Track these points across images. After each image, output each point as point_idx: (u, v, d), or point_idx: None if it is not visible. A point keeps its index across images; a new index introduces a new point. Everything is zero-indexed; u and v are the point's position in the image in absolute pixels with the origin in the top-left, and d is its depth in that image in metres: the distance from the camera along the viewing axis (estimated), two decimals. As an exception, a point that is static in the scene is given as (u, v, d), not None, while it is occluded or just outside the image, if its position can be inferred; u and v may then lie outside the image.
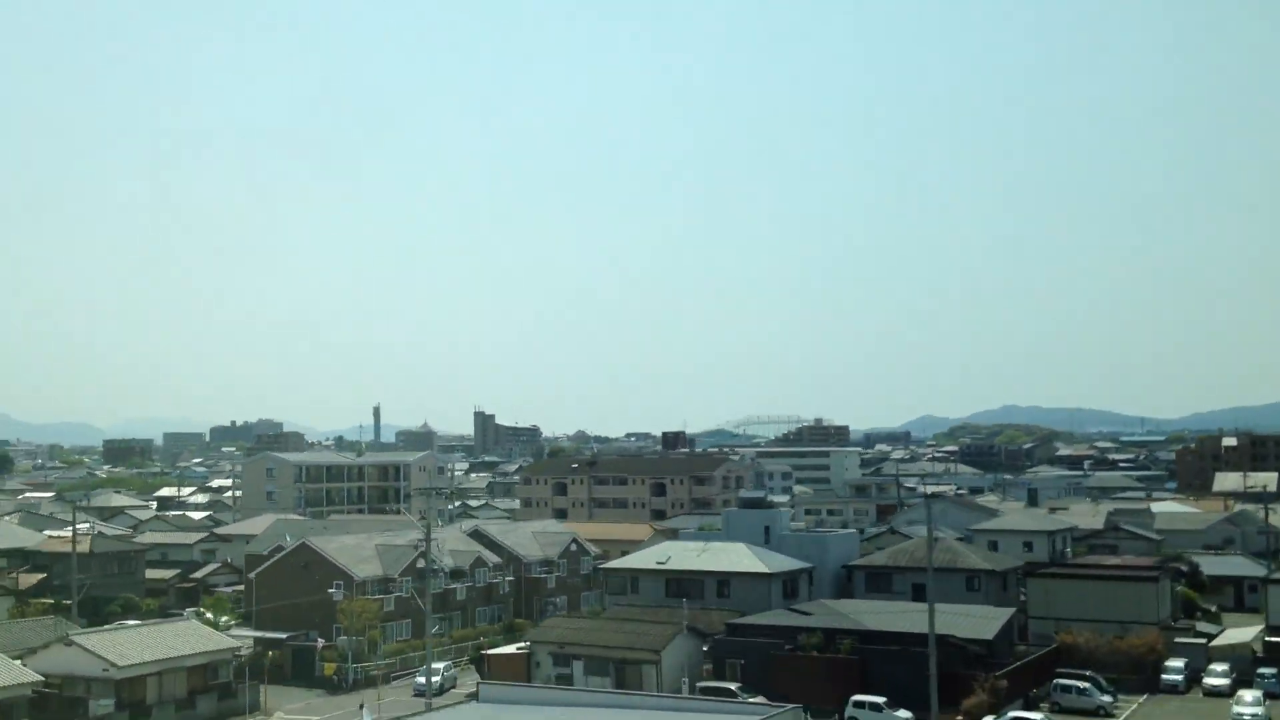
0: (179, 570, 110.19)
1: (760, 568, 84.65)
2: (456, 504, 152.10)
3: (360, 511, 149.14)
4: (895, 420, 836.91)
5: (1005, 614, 79.92)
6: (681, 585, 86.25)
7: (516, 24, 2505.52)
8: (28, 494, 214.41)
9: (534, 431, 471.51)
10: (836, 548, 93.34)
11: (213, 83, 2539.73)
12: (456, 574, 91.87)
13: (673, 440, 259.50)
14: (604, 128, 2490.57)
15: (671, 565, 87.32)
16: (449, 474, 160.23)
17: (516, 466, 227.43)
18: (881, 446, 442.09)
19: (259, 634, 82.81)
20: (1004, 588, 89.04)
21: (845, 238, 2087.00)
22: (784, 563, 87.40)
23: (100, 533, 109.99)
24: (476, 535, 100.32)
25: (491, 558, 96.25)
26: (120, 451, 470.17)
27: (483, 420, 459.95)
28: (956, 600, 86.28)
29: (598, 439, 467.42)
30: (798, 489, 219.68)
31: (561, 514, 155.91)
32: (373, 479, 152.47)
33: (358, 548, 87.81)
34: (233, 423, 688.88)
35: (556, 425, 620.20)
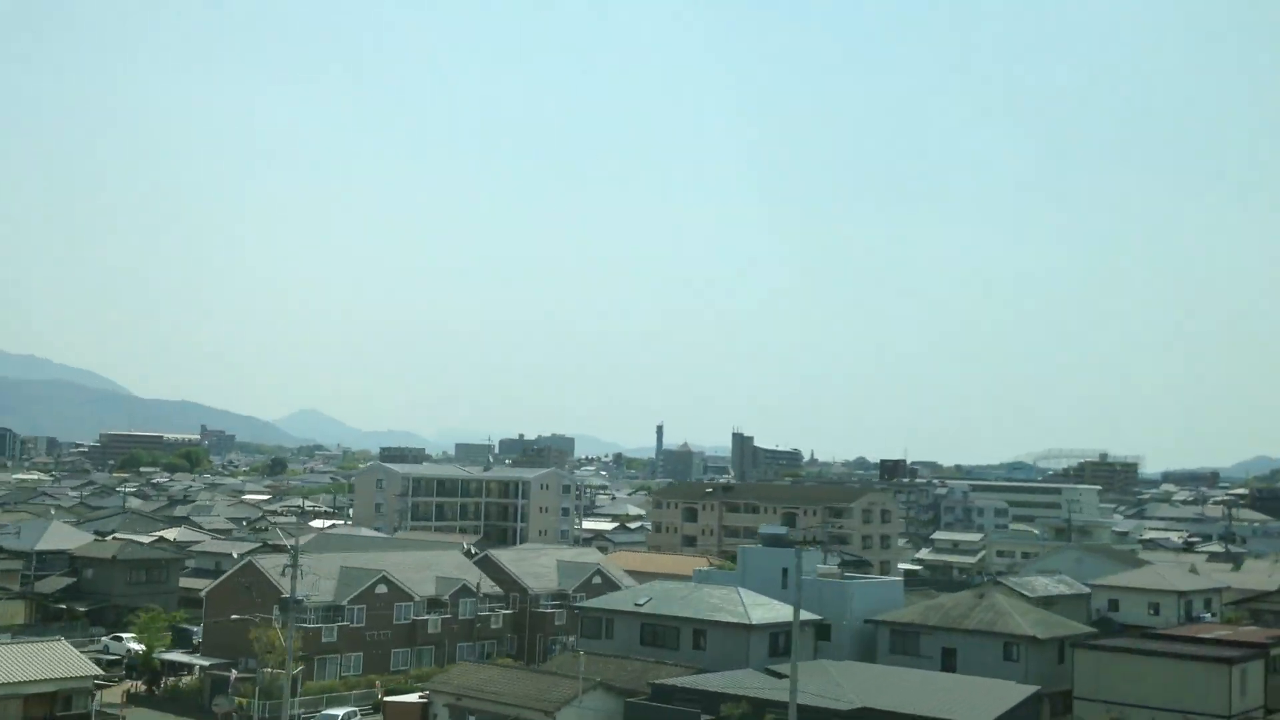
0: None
1: (740, 617, 71.84)
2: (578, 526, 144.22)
3: (476, 529, 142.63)
4: (1226, 460, 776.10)
5: (1022, 693, 64.57)
6: (656, 632, 74.57)
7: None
8: (249, 495, 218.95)
9: (794, 455, 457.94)
10: (864, 598, 79.04)
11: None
12: (435, 604, 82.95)
13: (891, 469, 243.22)
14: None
15: (649, 608, 75.55)
16: (577, 493, 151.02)
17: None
18: (1167, 486, 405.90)
19: (190, 659, 76.52)
20: (1059, 658, 72.98)
21: (1202, 272, 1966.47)
22: (780, 613, 74.14)
23: (132, 540, 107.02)
24: (484, 562, 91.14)
25: (489, 587, 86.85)
26: (391, 458, 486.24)
27: (740, 442, 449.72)
28: (992, 670, 71.41)
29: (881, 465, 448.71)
30: (1017, 527, 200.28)
31: (691, 541, 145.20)
32: (494, 495, 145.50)
33: (312, 568, 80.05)
34: (520, 436, 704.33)
35: (838, 450, 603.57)
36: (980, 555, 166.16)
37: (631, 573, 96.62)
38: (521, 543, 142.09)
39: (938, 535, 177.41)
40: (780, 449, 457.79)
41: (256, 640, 71.85)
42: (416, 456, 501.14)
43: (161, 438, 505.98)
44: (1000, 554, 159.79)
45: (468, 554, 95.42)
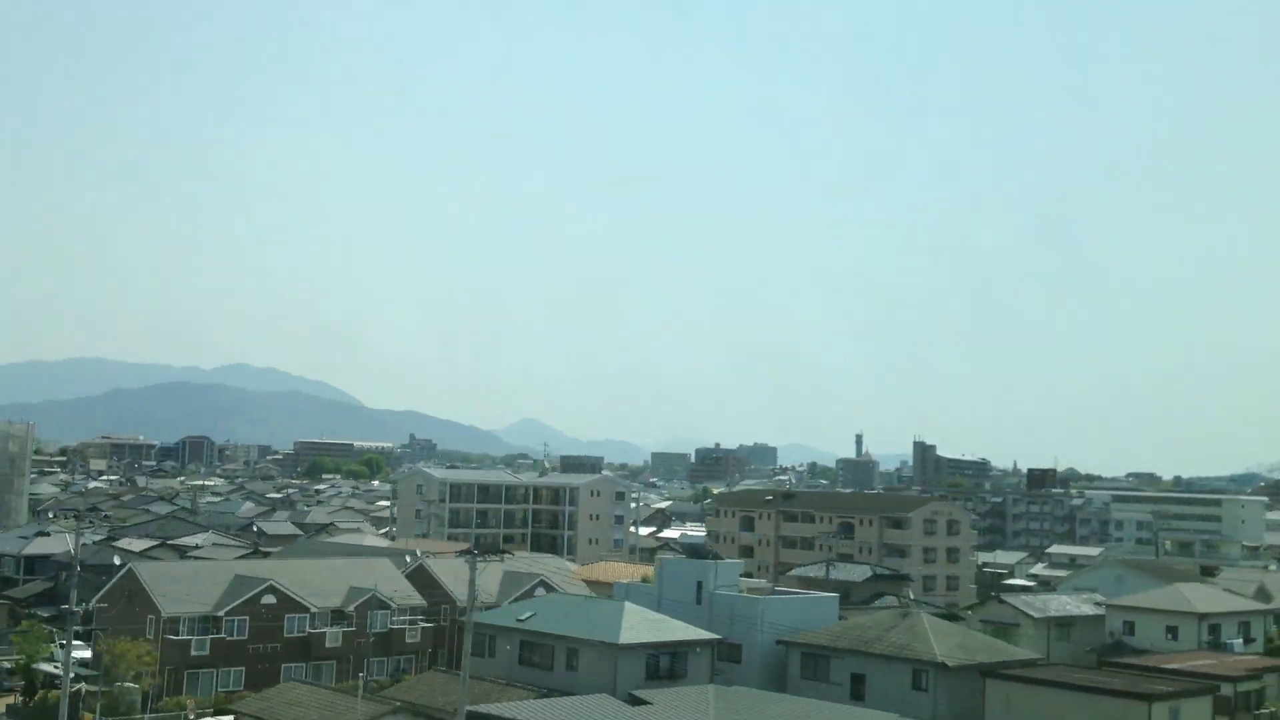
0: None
1: (608, 635, 64.39)
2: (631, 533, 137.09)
3: (524, 538, 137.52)
4: None
5: None
6: (535, 651, 67.77)
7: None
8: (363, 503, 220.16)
9: (981, 465, 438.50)
10: (785, 616, 70.20)
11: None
12: (339, 616, 78.06)
13: (1039, 479, 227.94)
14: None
15: (530, 625, 68.73)
16: (631, 501, 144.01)
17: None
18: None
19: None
20: (980, 689, 63.01)
21: None
22: (667, 632, 66.39)
23: (109, 545, 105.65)
24: (417, 572, 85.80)
25: (410, 599, 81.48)
26: (571, 467, 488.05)
27: (921, 450, 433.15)
28: (899, 700, 62.44)
29: (1089, 477, 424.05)
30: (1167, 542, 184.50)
31: (748, 551, 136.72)
32: (544, 501, 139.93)
33: (192, 576, 76.34)
34: (717, 445, 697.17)
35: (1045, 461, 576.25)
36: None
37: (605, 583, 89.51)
38: (569, 552, 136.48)
39: (1055, 549, 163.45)
40: (966, 458, 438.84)
41: (107, 652, 68.37)
42: (594, 465, 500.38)
43: (351, 445, 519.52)
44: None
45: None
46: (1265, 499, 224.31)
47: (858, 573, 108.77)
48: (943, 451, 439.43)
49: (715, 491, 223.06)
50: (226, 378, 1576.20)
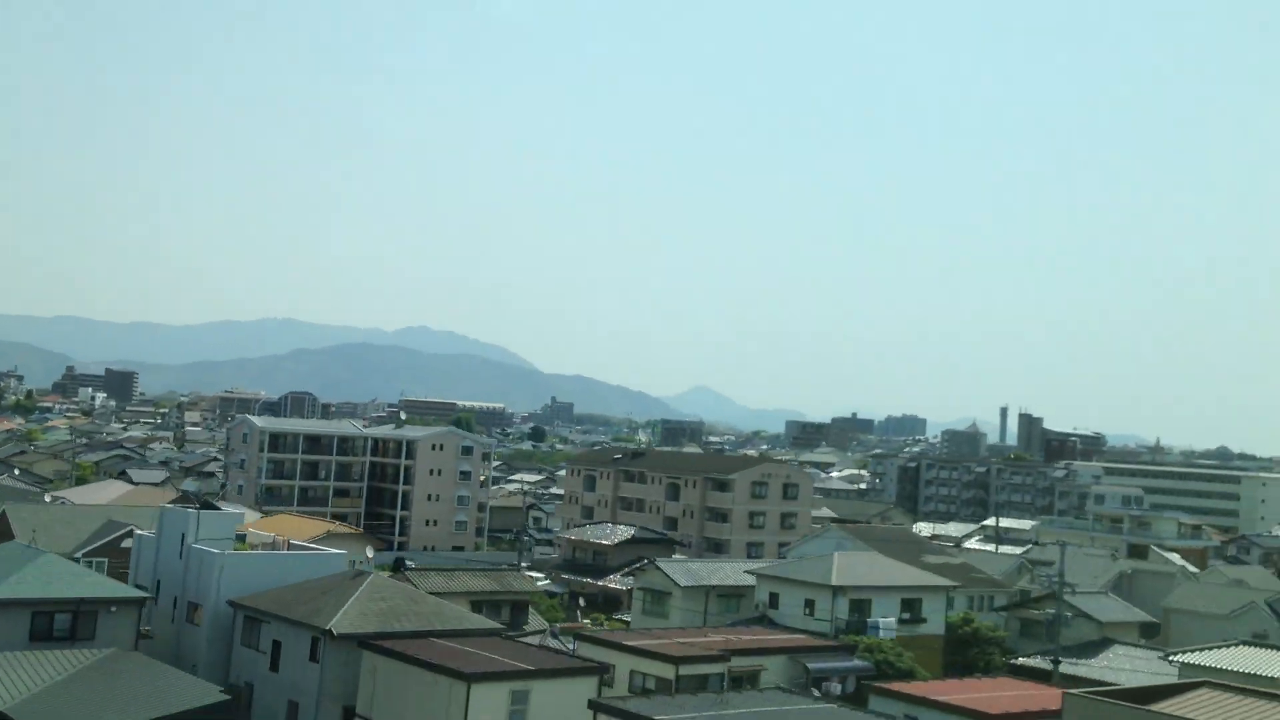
0: None
1: (-16, 589, 56.32)
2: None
3: (360, 491, 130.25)
4: None
5: (201, 698, 46.65)
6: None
7: None
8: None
9: (1095, 438, 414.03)
10: (238, 573, 60.60)
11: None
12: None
13: (1057, 450, 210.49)
14: None
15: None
16: (484, 455, 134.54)
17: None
18: None
19: None
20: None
21: None
22: (76, 587, 57.94)
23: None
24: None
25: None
26: (672, 432, 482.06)
27: (1028, 423, 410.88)
28: (296, 671, 53.27)
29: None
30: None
31: (589, 512, 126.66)
32: (381, 454, 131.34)
33: (67, 519, 74.19)
34: (854, 415, 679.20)
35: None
36: (1027, 548, 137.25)
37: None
38: (404, 508, 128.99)
39: (990, 521, 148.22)
40: (1079, 431, 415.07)
41: None
42: (694, 431, 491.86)
43: (455, 405, 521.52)
44: (1037, 543, 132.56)
45: None
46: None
47: (618, 534, 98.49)
48: (1052, 425, 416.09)
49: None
50: (406, 340, 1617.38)
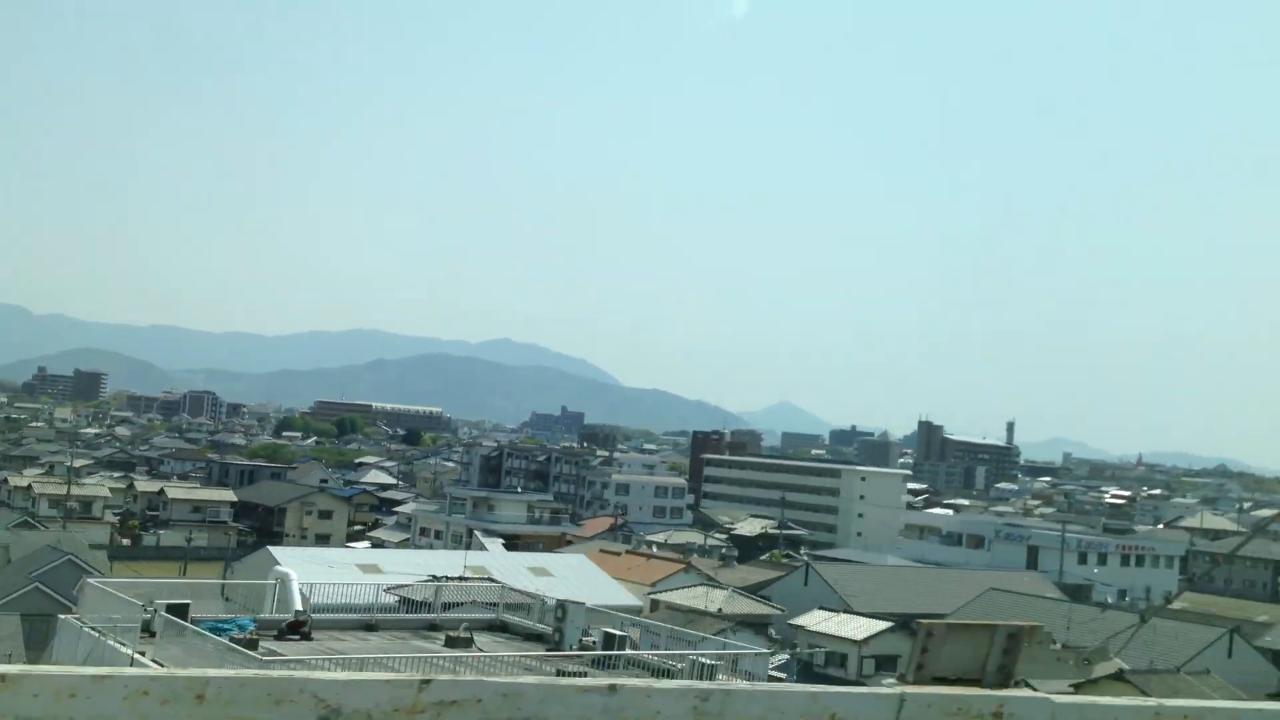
0: None
1: None
2: None
3: None
4: None
5: None
6: None
7: None
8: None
9: (1003, 450, 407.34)
10: None
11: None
12: None
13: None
14: None
15: None
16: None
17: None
18: None
19: None
20: None
21: None
22: None
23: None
24: None
25: None
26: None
27: (926, 430, 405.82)
28: None
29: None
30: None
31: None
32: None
33: None
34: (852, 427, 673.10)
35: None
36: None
37: None
38: None
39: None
40: (982, 440, 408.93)
41: None
42: (754, 440, 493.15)
43: (370, 406, 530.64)
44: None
45: None
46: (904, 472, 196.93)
47: None
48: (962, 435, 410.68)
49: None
50: (487, 352, 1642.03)
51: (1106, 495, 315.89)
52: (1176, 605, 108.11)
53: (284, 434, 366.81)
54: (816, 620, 68.51)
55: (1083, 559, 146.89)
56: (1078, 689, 40.02)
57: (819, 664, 64.05)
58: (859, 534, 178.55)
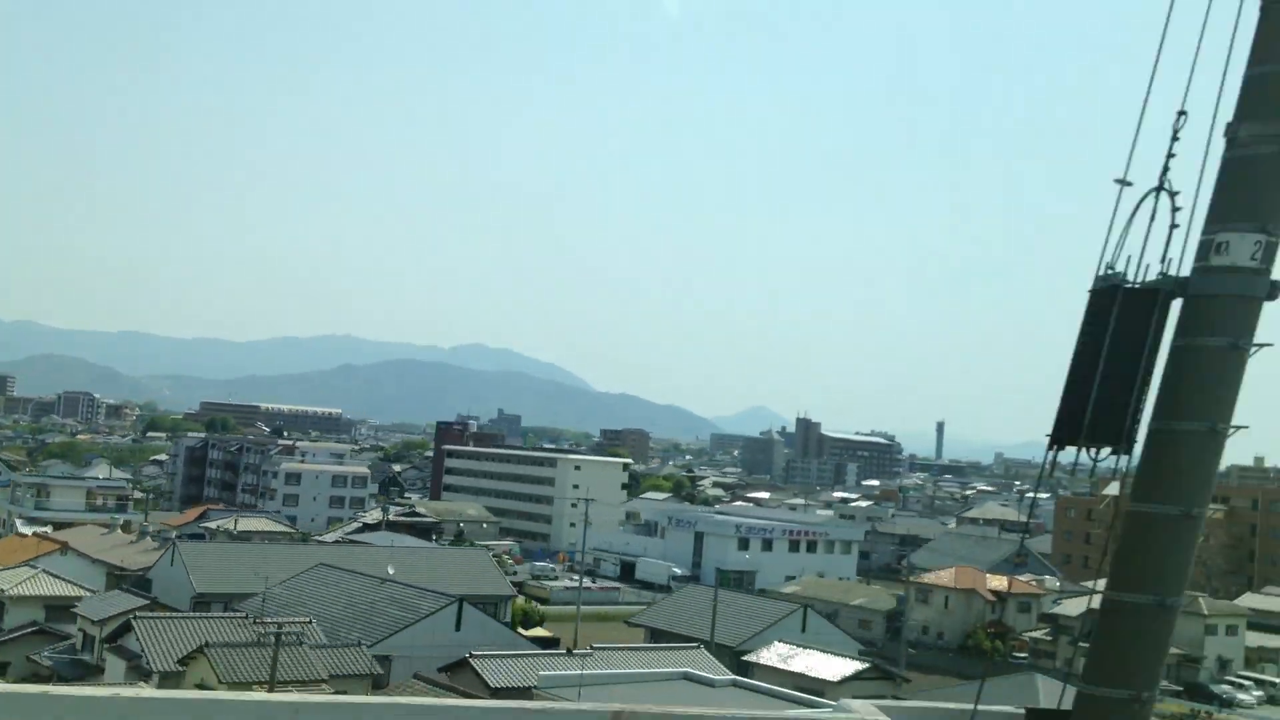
0: None
1: None
2: None
3: None
4: None
5: None
6: None
7: None
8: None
9: (884, 446, 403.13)
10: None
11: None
12: None
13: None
14: None
15: None
16: None
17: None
18: None
19: None
20: None
21: None
22: None
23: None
24: None
25: None
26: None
27: (805, 427, 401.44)
28: None
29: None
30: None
31: None
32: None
33: None
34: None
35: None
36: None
37: None
38: None
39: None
40: (863, 437, 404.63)
41: None
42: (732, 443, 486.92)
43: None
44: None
45: None
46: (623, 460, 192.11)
47: None
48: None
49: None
50: (460, 358, 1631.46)
51: (971, 490, 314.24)
52: (789, 589, 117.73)
53: (149, 434, 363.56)
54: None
55: (744, 545, 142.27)
56: None
57: None
58: (572, 524, 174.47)
